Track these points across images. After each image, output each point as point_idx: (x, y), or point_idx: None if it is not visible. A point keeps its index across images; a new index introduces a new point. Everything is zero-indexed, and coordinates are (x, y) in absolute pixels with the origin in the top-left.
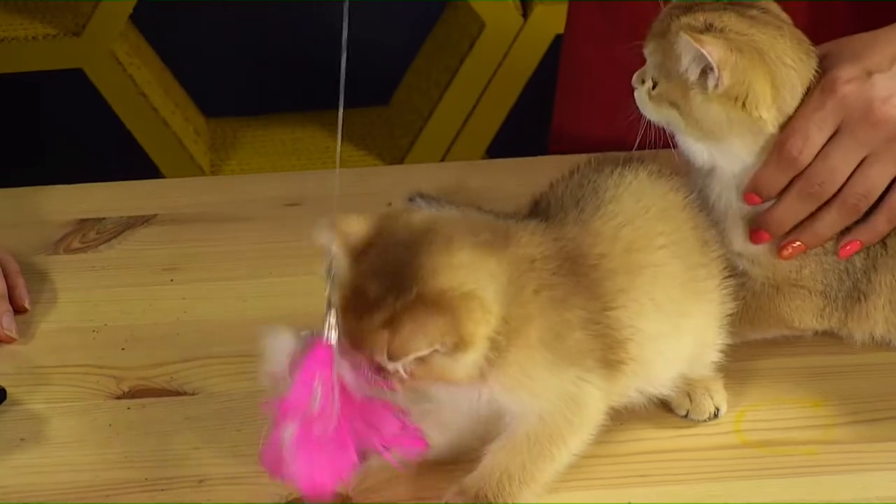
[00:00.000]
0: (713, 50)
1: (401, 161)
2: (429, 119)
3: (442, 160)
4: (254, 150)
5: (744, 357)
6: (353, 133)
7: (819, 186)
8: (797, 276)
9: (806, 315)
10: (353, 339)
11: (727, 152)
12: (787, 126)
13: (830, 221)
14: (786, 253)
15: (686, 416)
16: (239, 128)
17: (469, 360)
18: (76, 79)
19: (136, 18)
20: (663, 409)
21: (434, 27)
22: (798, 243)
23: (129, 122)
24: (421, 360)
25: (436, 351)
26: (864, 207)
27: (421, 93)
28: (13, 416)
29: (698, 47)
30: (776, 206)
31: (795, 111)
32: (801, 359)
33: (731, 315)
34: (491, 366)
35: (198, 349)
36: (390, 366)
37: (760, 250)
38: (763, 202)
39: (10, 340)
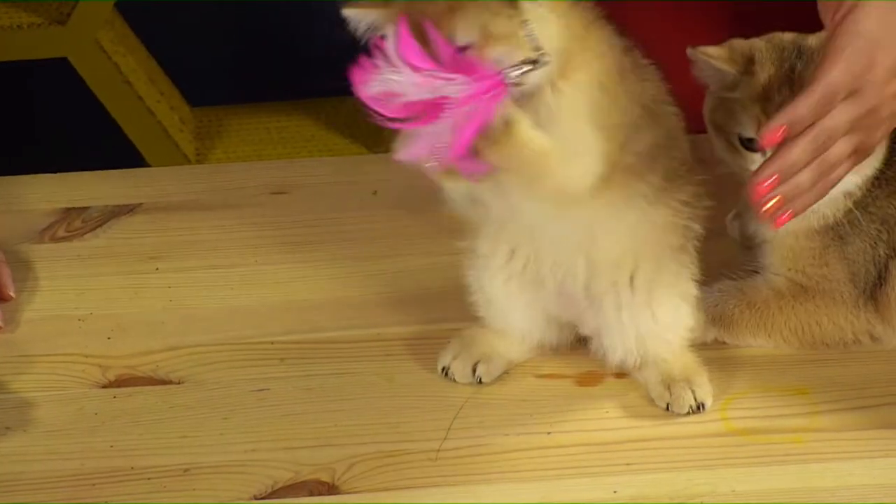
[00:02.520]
0: None
1: (387, 150)
2: None
3: None
4: (239, 138)
5: (724, 346)
6: (339, 121)
7: (828, 139)
8: (823, 270)
9: (838, 313)
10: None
11: None
12: (827, 69)
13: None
14: (771, 210)
15: (667, 408)
16: (224, 116)
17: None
18: (61, 67)
19: (121, 7)
20: (649, 399)
21: None
22: (779, 197)
23: (114, 111)
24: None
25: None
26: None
27: None
28: None
29: None
30: (790, 148)
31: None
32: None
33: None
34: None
35: (184, 338)
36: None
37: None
38: (780, 139)
39: None
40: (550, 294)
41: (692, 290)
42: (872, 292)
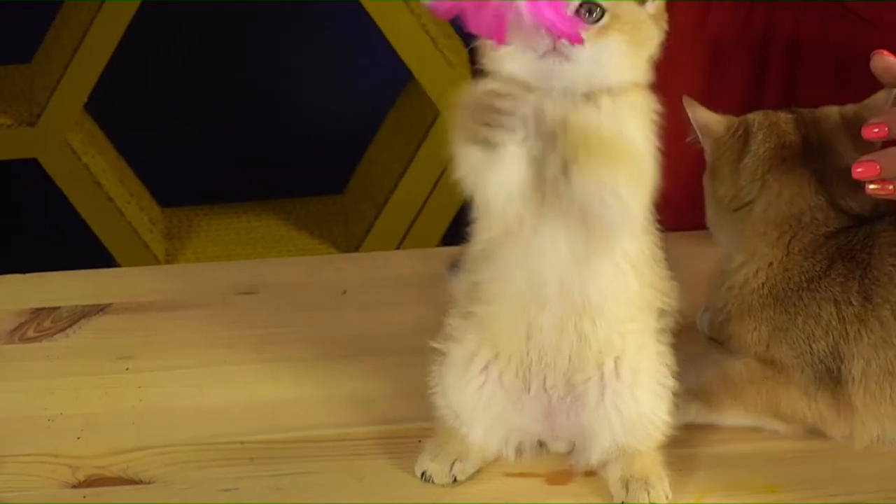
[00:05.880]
0: None
1: (356, 249)
2: (384, 207)
3: (398, 248)
4: (209, 238)
5: (698, 443)
6: (309, 222)
7: None
8: (766, 351)
9: (794, 397)
10: None
11: None
12: None
13: None
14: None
15: None
16: (194, 217)
17: None
18: (31, 168)
19: (91, 108)
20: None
21: (388, 115)
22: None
23: (84, 212)
24: None
25: None
26: None
27: (376, 181)
28: None
29: None
30: None
31: None
32: (755, 444)
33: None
34: None
35: (154, 437)
36: None
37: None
38: (879, 139)
39: None
40: (527, 402)
41: (671, 381)
42: (826, 380)
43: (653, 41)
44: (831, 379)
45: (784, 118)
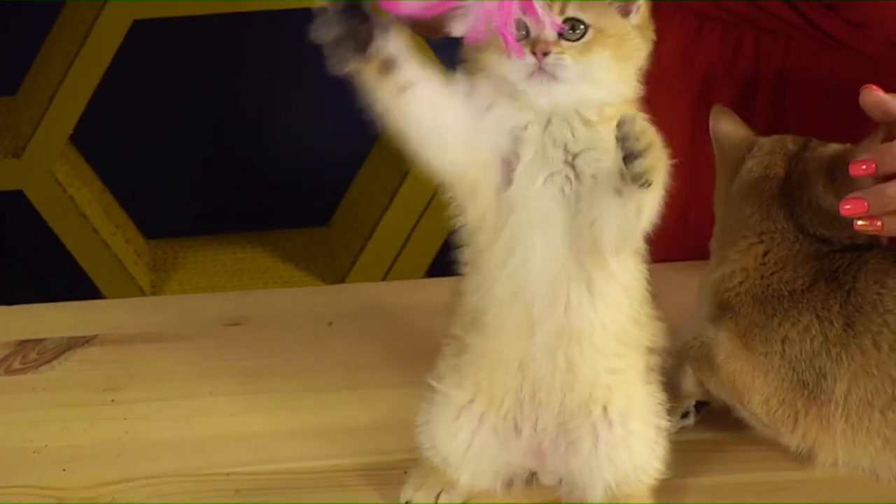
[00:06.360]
0: None
1: (342, 281)
2: (369, 238)
3: (383, 279)
4: (195, 270)
5: (688, 473)
6: (295, 253)
7: None
8: (741, 343)
9: (757, 395)
10: None
11: None
12: None
13: None
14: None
15: None
16: (179, 249)
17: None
18: (16, 200)
19: (76, 139)
20: None
21: (373, 146)
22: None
23: (69, 243)
24: None
25: None
26: None
27: (361, 212)
28: None
29: None
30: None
31: None
32: (746, 475)
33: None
34: None
35: (140, 469)
36: None
37: None
38: (866, 176)
39: None
40: (519, 444)
41: (663, 422)
42: (798, 394)
43: (640, 53)
44: (803, 388)
45: (784, 150)
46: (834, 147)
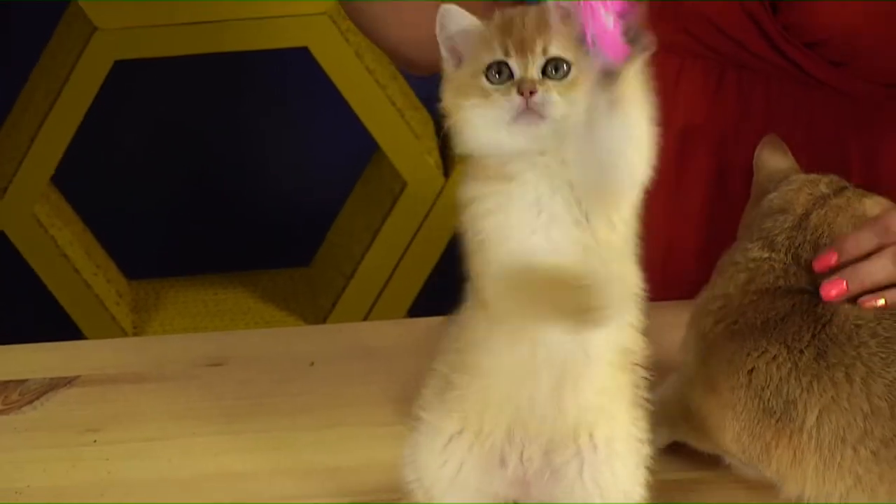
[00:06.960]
0: None
1: (323, 321)
2: (351, 278)
3: (365, 319)
4: (176, 311)
5: (675, 497)
6: (276, 294)
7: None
8: (707, 376)
9: (727, 429)
10: None
11: None
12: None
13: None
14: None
15: None
16: (161, 289)
17: None
18: None
19: (57, 180)
20: None
21: (354, 186)
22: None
23: (50, 284)
24: None
25: None
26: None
27: (343, 252)
28: None
29: None
30: (866, 262)
31: None
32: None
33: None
34: None
35: None
36: None
37: None
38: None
39: None
40: (503, 474)
41: (646, 447)
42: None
43: None
44: (770, 417)
45: (813, 191)
46: (870, 204)
